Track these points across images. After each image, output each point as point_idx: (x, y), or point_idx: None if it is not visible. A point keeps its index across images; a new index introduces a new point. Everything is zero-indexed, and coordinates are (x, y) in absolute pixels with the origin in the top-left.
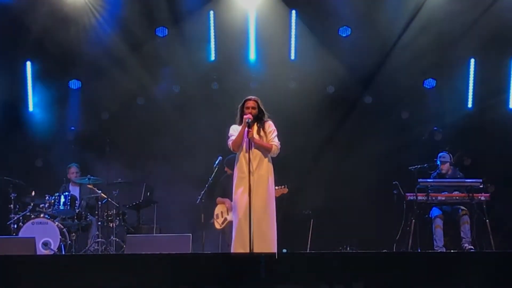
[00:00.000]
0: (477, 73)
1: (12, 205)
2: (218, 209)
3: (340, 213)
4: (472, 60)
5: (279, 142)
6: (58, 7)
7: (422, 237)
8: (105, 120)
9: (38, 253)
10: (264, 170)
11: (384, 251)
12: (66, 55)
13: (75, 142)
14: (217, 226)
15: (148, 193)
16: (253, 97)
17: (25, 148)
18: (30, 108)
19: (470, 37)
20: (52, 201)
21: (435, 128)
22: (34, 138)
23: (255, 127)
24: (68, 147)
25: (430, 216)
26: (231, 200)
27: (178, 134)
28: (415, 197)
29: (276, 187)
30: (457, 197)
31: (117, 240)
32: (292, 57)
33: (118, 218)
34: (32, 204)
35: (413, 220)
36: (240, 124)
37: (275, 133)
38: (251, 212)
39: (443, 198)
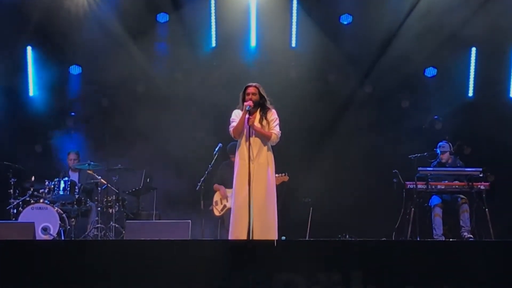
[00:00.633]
0: (478, 62)
1: (11, 190)
2: (217, 196)
3: (339, 201)
4: (473, 49)
5: (280, 132)
6: None
7: (421, 226)
8: (105, 106)
9: (37, 238)
10: (264, 158)
11: (383, 239)
12: (67, 41)
13: (75, 127)
14: (216, 213)
15: (148, 180)
16: (254, 83)
17: (25, 133)
18: (31, 93)
19: (472, 26)
20: (52, 186)
21: (436, 117)
22: (34, 123)
23: (258, 115)
24: (68, 133)
25: (429, 204)
26: (229, 187)
27: (178, 121)
28: (414, 185)
29: (277, 175)
30: (457, 186)
31: (116, 226)
32: (293, 44)
33: (117, 204)
34: (31, 189)
35: (413, 209)
36: (242, 110)
37: (277, 121)
38: (250, 199)
39: (443, 187)
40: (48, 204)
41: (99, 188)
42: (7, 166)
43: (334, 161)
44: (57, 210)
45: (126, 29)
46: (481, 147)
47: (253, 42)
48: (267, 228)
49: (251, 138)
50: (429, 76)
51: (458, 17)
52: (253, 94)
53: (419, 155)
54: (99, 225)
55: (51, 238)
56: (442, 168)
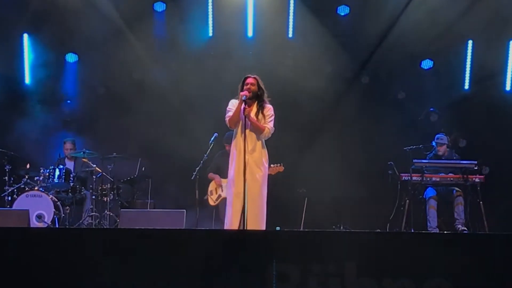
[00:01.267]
0: (474, 54)
1: (6, 177)
2: (212, 186)
3: (334, 192)
4: (470, 42)
5: (273, 128)
6: None
7: (415, 218)
8: (101, 94)
9: (31, 225)
10: (259, 153)
11: (377, 231)
12: (63, 29)
13: (71, 115)
14: (211, 202)
15: (143, 168)
16: (253, 75)
17: (21, 120)
18: (27, 81)
19: (468, 18)
20: (47, 174)
21: (432, 109)
22: (30, 110)
23: (255, 108)
24: (63, 120)
25: (424, 197)
26: (224, 177)
27: (174, 110)
28: (409, 177)
29: (272, 165)
30: (452, 179)
31: (111, 214)
32: (290, 35)
33: (112, 192)
34: (26, 177)
35: (407, 201)
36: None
37: (273, 118)
38: (245, 190)
39: (438, 179)
40: (43, 191)
41: (94, 176)
42: (2, 153)
43: (329, 152)
44: (51, 198)
45: (123, 17)
46: (477, 140)
47: (250, 32)
48: (260, 218)
49: (246, 130)
50: (425, 68)
51: (455, 9)
52: (251, 84)
53: (414, 147)
54: (93, 213)
55: (46, 225)
56: (437, 160)
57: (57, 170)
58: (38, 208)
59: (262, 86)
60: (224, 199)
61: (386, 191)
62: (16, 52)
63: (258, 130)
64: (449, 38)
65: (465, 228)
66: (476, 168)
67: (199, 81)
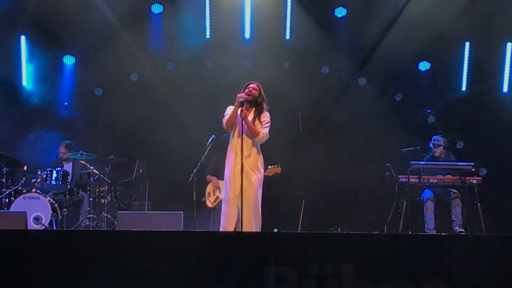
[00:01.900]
0: (471, 56)
1: (4, 179)
2: (209, 187)
3: (331, 194)
4: (467, 44)
5: (268, 134)
6: None
7: (413, 219)
8: (98, 96)
9: (29, 227)
10: (254, 156)
11: (375, 232)
12: (61, 31)
13: (68, 117)
14: (209, 204)
15: (141, 170)
16: (256, 82)
17: (18, 122)
18: (24, 83)
19: (465, 20)
20: (44, 176)
21: (429, 110)
22: (27, 112)
23: (252, 113)
24: (61, 122)
25: (421, 198)
26: (222, 179)
27: (171, 112)
28: (407, 179)
29: (270, 167)
30: (449, 180)
31: (108, 216)
32: (287, 37)
33: (110, 194)
34: (24, 179)
35: (405, 202)
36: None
37: (269, 124)
38: (242, 192)
39: (435, 181)
40: (40, 193)
41: (92, 178)
42: (0, 155)
43: (327, 153)
44: (49, 200)
45: (120, 19)
46: (474, 142)
47: (247, 34)
48: (256, 222)
49: (243, 134)
50: (422, 70)
51: (452, 11)
52: (254, 89)
53: (411, 148)
54: (91, 215)
55: (43, 228)
56: (435, 162)
57: (54, 172)
58: (35, 210)
59: (263, 94)
60: (222, 200)
61: (383, 192)
62: (13, 54)
63: (253, 134)
64: (446, 39)
65: (463, 230)
66: (473, 169)
67: (196, 82)
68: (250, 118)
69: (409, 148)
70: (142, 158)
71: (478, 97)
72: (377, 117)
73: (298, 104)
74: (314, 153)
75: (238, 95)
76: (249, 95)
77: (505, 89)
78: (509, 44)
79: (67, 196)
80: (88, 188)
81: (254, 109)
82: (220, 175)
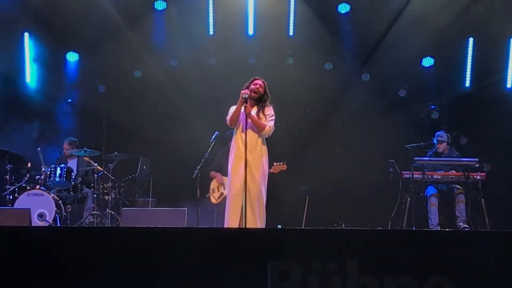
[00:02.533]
0: (475, 52)
1: (8, 176)
2: (214, 184)
3: (335, 190)
4: (471, 39)
5: (273, 127)
6: None
7: (417, 215)
8: (102, 93)
9: (33, 224)
10: (259, 151)
11: (379, 228)
12: (64, 28)
13: (72, 114)
14: (213, 200)
15: (144, 167)
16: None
17: (22, 119)
18: (28, 80)
19: (469, 16)
20: (48, 172)
21: (433, 106)
22: (31, 109)
23: (256, 108)
24: (64, 119)
25: (425, 194)
26: (226, 175)
27: (175, 108)
28: (411, 175)
29: (275, 163)
30: (453, 176)
31: (112, 213)
32: (291, 33)
33: (114, 191)
34: (28, 176)
35: (409, 198)
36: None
37: (273, 117)
38: (246, 188)
39: (439, 177)
40: (44, 190)
41: (96, 175)
42: (3, 152)
43: (331, 150)
44: (53, 197)
45: (123, 16)
46: (478, 137)
47: (250, 31)
48: (260, 218)
49: (247, 129)
50: (426, 65)
51: (456, 7)
52: (260, 86)
53: (415, 144)
54: (95, 212)
55: (47, 224)
56: (439, 158)
57: (58, 168)
58: (39, 207)
59: (268, 92)
60: (226, 197)
61: (387, 188)
62: (17, 51)
63: (258, 128)
64: (450, 35)
65: (467, 226)
66: (477, 165)
67: (200, 79)
68: (253, 112)
69: (413, 144)
70: (146, 154)
71: (482, 93)
72: (380, 113)
73: (302, 100)
74: (318, 149)
75: (242, 91)
76: (255, 92)
77: (509, 84)
78: None
79: (71, 192)
80: (92, 184)
81: (257, 105)
82: (224, 171)
